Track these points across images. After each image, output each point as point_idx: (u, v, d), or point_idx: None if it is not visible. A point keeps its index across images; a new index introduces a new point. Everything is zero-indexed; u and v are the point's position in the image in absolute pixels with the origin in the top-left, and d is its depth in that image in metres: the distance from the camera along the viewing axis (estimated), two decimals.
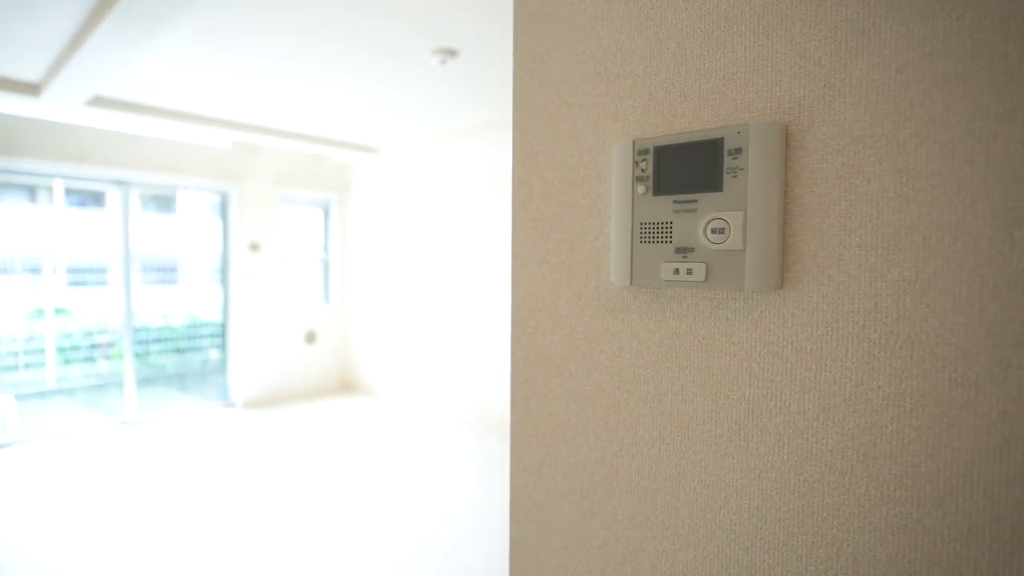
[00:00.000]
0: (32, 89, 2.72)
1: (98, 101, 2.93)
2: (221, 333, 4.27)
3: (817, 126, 0.33)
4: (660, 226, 0.38)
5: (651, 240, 0.38)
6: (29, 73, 2.56)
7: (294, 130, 3.76)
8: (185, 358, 4.11)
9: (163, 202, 4.03)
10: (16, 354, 3.37)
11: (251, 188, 4.22)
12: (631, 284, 0.40)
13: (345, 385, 4.98)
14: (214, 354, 4.27)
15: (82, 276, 3.65)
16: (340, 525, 2.13)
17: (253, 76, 2.60)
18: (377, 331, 4.75)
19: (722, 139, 0.35)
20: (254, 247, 4.22)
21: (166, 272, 4.03)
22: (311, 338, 4.68)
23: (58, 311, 3.53)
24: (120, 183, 3.68)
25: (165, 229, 4.03)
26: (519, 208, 0.48)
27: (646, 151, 0.38)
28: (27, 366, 3.41)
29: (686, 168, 0.37)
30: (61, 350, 3.54)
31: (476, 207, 3.86)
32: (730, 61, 0.36)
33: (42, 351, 3.47)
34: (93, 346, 3.69)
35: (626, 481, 0.42)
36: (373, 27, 2.04)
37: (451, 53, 2.26)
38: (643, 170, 0.39)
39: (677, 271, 0.37)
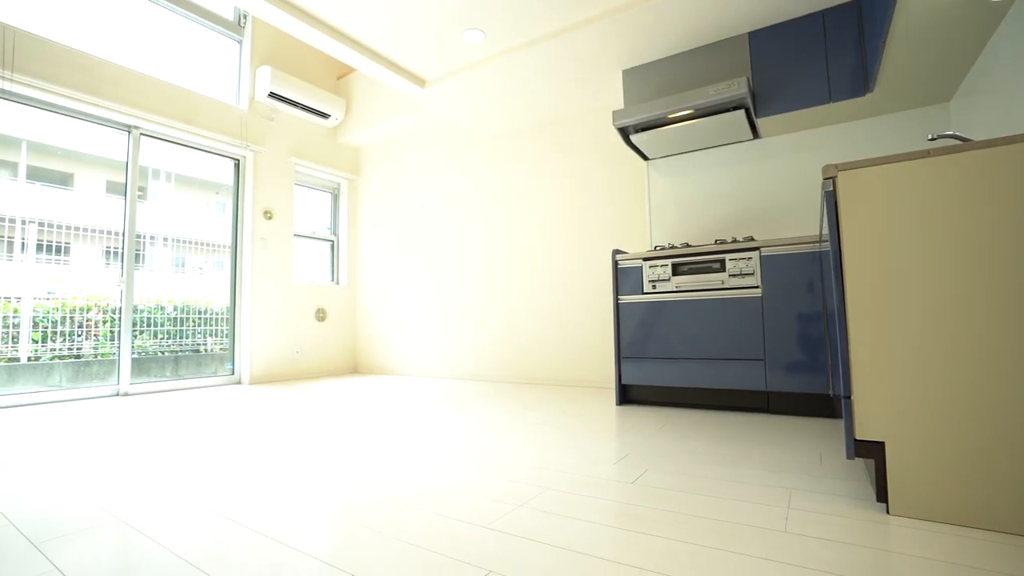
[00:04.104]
0: None
1: None
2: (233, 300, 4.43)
3: None
4: None
5: None
6: None
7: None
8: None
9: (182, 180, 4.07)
10: None
11: (265, 156, 4.58)
12: None
13: (358, 366, 5.36)
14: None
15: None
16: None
17: None
18: (386, 311, 5.14)
19: None
20: (267, 214, 4.56)
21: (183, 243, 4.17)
22: (322, 315, 5.03)
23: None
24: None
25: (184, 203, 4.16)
26: None
27: None
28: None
29: None
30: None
31: (469, 196, 3.77)
32: None
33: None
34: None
35: None
36: None
37: None
38: None
39: None
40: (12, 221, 3.29)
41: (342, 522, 1.21)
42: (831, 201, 1.32)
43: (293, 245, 4.78)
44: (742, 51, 2.93)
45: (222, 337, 4.35)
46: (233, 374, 4.38)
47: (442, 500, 1.35)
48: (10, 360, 3.24)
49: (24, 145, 3.39)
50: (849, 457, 1.23)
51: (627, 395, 2.96)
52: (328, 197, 5.40)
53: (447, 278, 4.67)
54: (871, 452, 1.21)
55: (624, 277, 2.95)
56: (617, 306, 2.94)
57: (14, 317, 3.26)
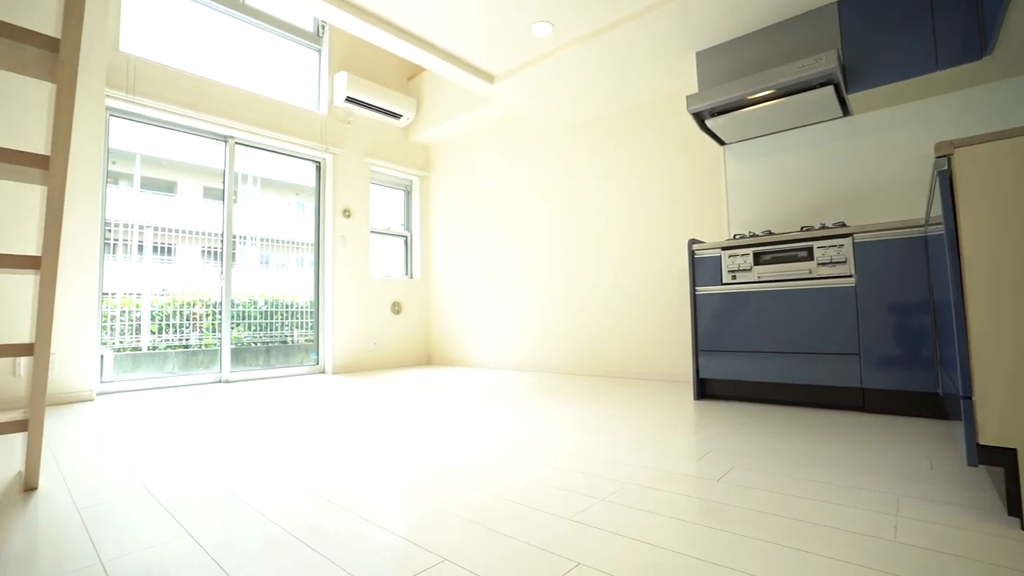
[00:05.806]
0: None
1: None
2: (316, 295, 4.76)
3: None
4: None
5: None
6: None
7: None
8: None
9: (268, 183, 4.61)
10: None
11: (343, 158, 4.83)
12: None
13: (431, 358, 5.37)
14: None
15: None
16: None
17: None
18: (457, 304, 5.25)
19: None
20: (346, 212, 4.81)
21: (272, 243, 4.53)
22: (397, 308, 5.18)
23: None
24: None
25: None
26: None
27: None
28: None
29: None
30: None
31: (525, 193, 3.59)
32: None
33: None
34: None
35: None
36: None
37: None
38: None
39: None
40: (131, 226, 3.69)
41: (427, 505, 1.26)
42: (945, 181, 1.19)
43: (370, 241, 5.01)
44: (830, 22, 2.71)
45: (307, 329, 4.65)
46: (317, 364, 4.68)
47: (523, 491, 1.37)
48: (134, 349, 3.65)
49: (138, 158, 3.78)
50: (971, 464, 1.12)
51: (705, 389, 2.86)
52: (401, 194, 5.60)
53: (515, 270, 4.71)
54: (999, 460, 1.09)
55: (701, 267, 2.84)
56: (694, 298, 2.84)
57: (136, 311, 3.67)
